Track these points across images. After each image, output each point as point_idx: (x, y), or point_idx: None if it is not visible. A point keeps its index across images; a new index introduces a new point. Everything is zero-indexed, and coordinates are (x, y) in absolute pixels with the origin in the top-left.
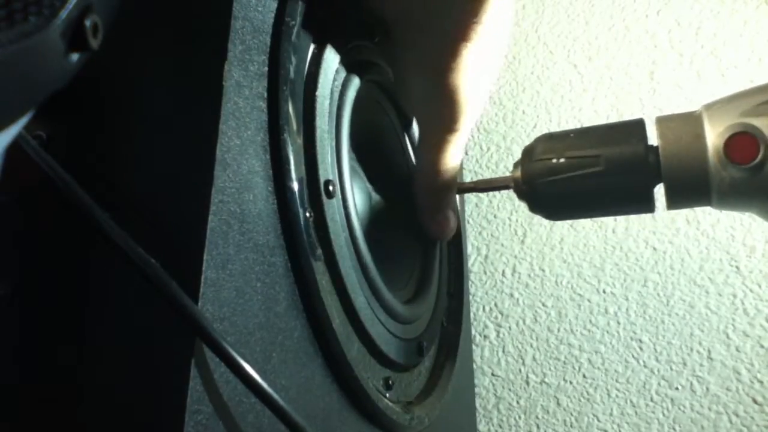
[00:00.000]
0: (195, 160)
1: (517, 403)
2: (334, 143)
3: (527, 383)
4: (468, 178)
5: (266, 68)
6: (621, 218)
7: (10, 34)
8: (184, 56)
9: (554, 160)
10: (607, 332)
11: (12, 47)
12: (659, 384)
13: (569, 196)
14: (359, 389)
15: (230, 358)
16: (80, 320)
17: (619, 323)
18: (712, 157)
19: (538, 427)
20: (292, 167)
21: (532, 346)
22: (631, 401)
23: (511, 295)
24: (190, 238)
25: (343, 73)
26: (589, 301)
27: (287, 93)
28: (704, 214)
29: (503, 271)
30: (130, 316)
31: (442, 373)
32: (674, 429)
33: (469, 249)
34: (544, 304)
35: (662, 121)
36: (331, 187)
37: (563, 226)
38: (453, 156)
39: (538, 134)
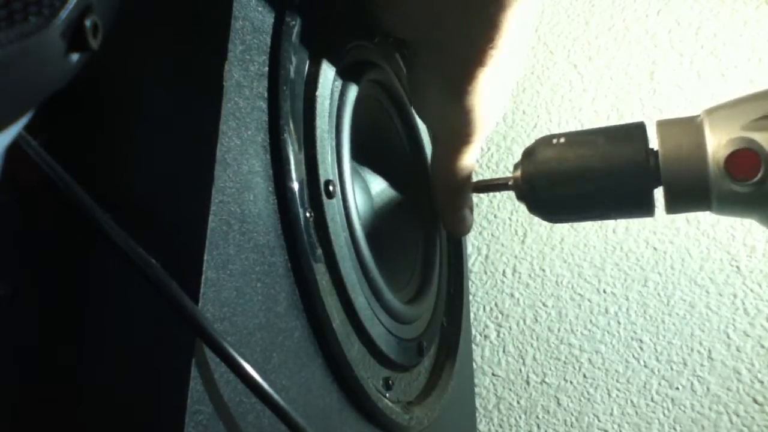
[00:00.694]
0: (195, 160)
1: (518, 403)
2: (334, 143)
3: (528, 383)
4: None
5: (266, 68)
6: (621, 219)
7: (10, 34)
8: (184, 56)
9: (554, 164)
10: (608, 332)
11: (12, 47)
12: (660, 384)
13: (569, 199)
14: (359, 389)
15: (230, 358)
16: (80, 320)
17: (619, 323)
18: (712, 169)
19: (538, 427)
20: (293, 167)
21: (532, 346)
22: (631, 401)
23: (512, 295)
24: (191, 238)
25: (343, 73)
26: (589, 301)
27: (287, 93)
28: (705, 215)
29: (504, 271)
30: (131, 317)
31: (442, 373)
32: (675, 429)
33: (470, 249)
34: (544, 304)
35: (663, 126)
36: (331, 187)
37: (563, 226)
38: (468, 161)
39: (538, 134)
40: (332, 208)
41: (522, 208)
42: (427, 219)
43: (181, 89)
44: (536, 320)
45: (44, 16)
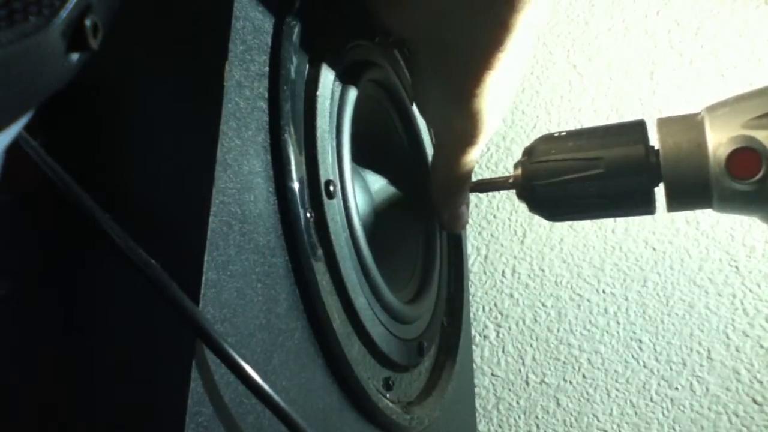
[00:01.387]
0: (196, 160)
1: (517, 403)
2: (334, 143)
3: (527, 383)
4: None
5: (267, 68)
6: (621, 219)
7: (10, 34)
8: (184, 56)
9: (555, 162)
10: (607, 332)
11: (12, 47)
12: (659, 384)
13: (569, 198)
14: (359, 389)
15: (231, 359)
16: (80, 320)
17: (618, 323)
18: (713, 168)
19: (537, 427)
20: (293, 167)
21: (531, 346)
22: (630, 401)
23: (511, 296)
24: (191, 238)
25: (343, 73)
26: (588, 301)
27: (288, 93)
28: (704, 215)
29: (503, 272)
30: (131, 317)
31: (442, 373)
32: (674, 429)
33: (469, 249)
34: (543, 305)
35: (663, 125)
36: (331, 188)
37: (563, 226)
38: (469, 161)
39: (538, 134)
40: (332, 209)
41: (521, 208)
42: (427, 219)
43: (181, 89)
44: (535, 320)
45: (44, 16)
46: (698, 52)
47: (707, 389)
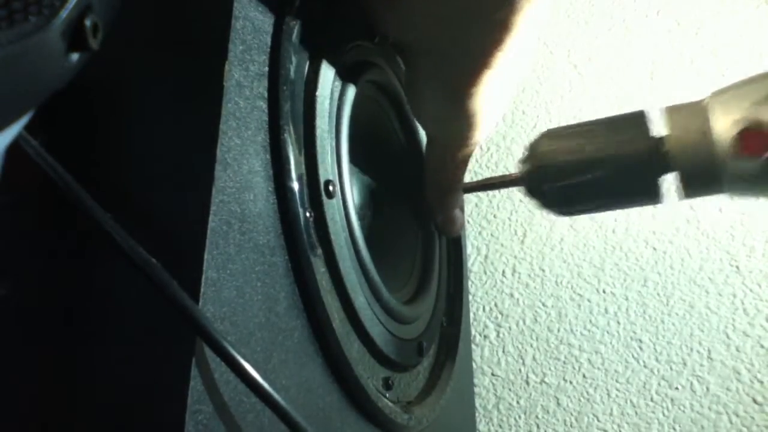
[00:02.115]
0: (195, 160)
1: (517, 403)
2: (334, 143)
3: (527, 383)
4: (468, 178)
5: (267, 68)
6: (621, 218)
7: (10, 34)
8: (184, 56)
9: (562, 155)
10: (607, 332)
11: (12, 47)
12: (659, 384)
13: (580, 197)
14: (359, 389)
15: (231, 357)
16: (80, 320)
17: (619, 323)
18: (721, 150)
19: (538, 427)
20: (293, 167)
21: (532, 346)
22: (631, 401)
23: (511, 295)
24: (191, 237)
25: (343, 73)
26: (589, 301)
27: (287, 93)
28: (704, 214)
29: (503, 271)
30: (131, 316)
31: (442, 373)
32: (674, 429)
33: (469, 249)
34: (544, 304)
35: (670, 112)
36: (331, 187)
37: (563, 226)
38: (464, 162)
39: (538, 134)
40: (332, 208)
41: (521, 208)
42: (427, 219)
43: (181, 89)
44: (536, 320)
45: (44, 16)
46: (698, 52)
47: (707, 389)
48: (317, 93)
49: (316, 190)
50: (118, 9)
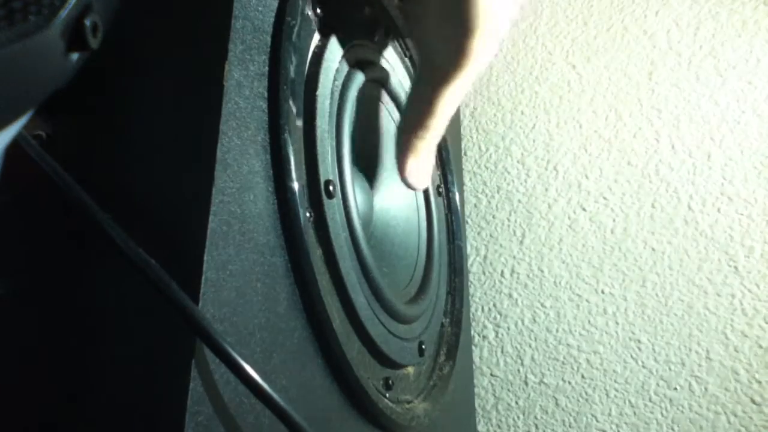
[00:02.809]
0: (195, 160)
1: (516, 403)
2: (334, 143)
3: (526, 384)
4: (467, 178)
5: (267, 68)
6: (620, 218)
7: (9, 34)
8: (184, 56)
9: None
10: (606, 332)
11: (11, 47)
12: (658, 384)
13: None
14: (359, 389)
15: (231, 358)
16: (80, 320)
17: (617, 323)
18: None
19: (536, 427)
20: (293, 167)
21: (530, 346)
22: (629, 401)
23: (510, 296)
24: (191, 238)
25: (343, 73)
26: (587, 301)
27: (288, 93)
28: (703, 215)
29: (502, 272)
30: (131, 317)
31: (442, 373)
32: (673, 429)
33: (468, 249)
34: (542, 305)
35: None
36: (331, 187)
37: (562, 226)
38: (456, 94)
39: (537, 135)
40: (332, 208)
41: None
42: (428, 219)
43: (181, 89)
44: (534, 321)
45: (44, 16)
46: (697, 53)
47: (706, 389)
48: (317, 92)
49: (316, 190)
50: (118, 9)
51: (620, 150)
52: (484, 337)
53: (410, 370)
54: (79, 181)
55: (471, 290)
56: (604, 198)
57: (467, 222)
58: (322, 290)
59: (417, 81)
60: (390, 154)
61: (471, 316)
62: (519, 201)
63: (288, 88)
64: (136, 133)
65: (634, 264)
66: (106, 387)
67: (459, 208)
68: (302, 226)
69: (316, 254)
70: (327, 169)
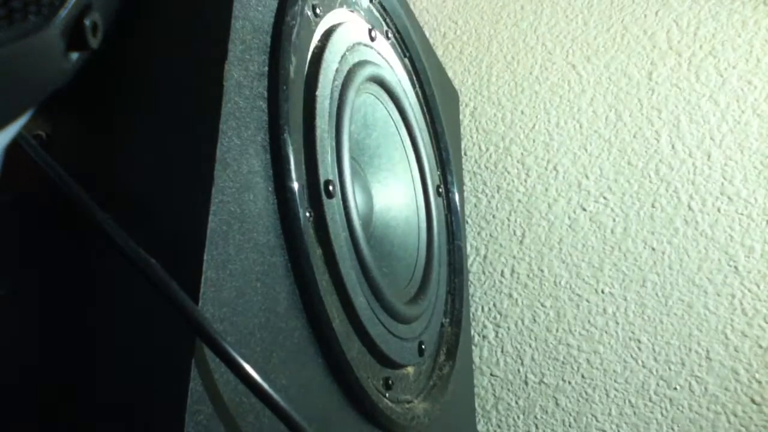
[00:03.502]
0: (195, 160)
1: (516, 403)
2: (334, 143)
3: (526, 383)
4: (467, 178)
5: (266, 68)
6: (620, 218)
7: (9, 33)
8: (184, 56)
9: None
10: (606, 332)
11: (11, 46)
12: (658, 384)
13: None
14: (359, 389)
15: (230, 358)
16: (80, 320)
17: (617, 323)
18: None
19: (536, 427)
20: (293, 167)
21: (530, 346)
22: (629, 401)
23: (510, 296)
24: (191, 238)
25: (343, 73)
26: (587, 301)
27: (287, 93)
28: (703, 215)
29: (502, 272)
30: (131, 316)
31: (441, 374)
32: (673, 429)
33: (468, 249)
34: (542, 305)
35: None
36: (331, 187)
37: (562, 226)
38: None
39: (537, 135)
40: (332, 208)
41: (520, 208)
42: (427, 219)
43: (181, 89)
44: (534, 320)
45: (44, 15)
46: (696, 53)
47: (706, 389)
48: (317, 93)
49: (316, 190)
50: (118, 8)
51: (620, 150)
52: (484, 337)
53: (410, 370)
54: (79, 181)
55: (471, 290)
56: (604, 198)
57: (467, 222)
58: (321, 290)
59: None
60: (389, 154)
61: (471, 315)
62: (519, 201)
63: (288, 89)
64: (135, 133)
65: (634, 264)
66: (106, 386)
67: (459, 208)
68: (302, 226)
69: (315, 254)
70: (327, 169)
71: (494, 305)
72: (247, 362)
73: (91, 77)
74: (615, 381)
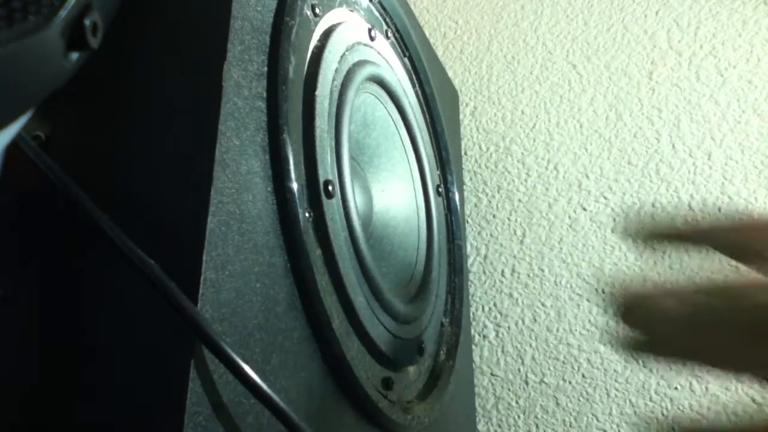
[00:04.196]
0: (194, 160)
1: (516, 402)
2: (333, 143)
3: (526, 383)
4: (467, 178)
5: (265, 68)
6: (620, 218)
7: (9, 33)
8: (184, 56)
9: None
10: (606, 332)
11: (11, 46)
12: (658, 384)
13: None
14: (359, 389)
15: (230, 359)
16: (80, 320)
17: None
18: None
19: (537, 426)
20: (292, 167)
21: (531, 345)
22: (630, 401)
23: (510, 295)
24: (190, 238)
25: (342, 73)
26: (588, 300)
27: (287, 93)
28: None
29: (502, 271)
30: (130, 317)
31: (442, 373)
32: (673, 429)
33: (469, 249)
34: (543, 304)
35: None
36: (330, 187)
37: (562, 226)
38: None
39: (537, 134)
40: (332, 208)
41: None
42: (427, 219)
43: (181, 89)
44: (535, 320)
45: (43, 16)
46: (697, 52)
47: (706, 389)
48: (316, 92)
49: (315, 190)
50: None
51: (620, 150)
52: (485, 337)
53: (410, 369)
54: (78, 181)
55: (471, 290)
56: (604, 198)
57: (467, 221)
58: (321, 290)
59: None
60: (389, 154)
61: (471, 315)
62: (519, 200)
63: (287, 89)
64: (135, 133)
65: (634, 264)
66: (105, 387)
67: (459, 207)
68: (301, 226)
69: (315, 254)
70: (326, 169)
71: (495, 305)
72: (247, 363)
73: (90, 77)
74: (616, 380)
